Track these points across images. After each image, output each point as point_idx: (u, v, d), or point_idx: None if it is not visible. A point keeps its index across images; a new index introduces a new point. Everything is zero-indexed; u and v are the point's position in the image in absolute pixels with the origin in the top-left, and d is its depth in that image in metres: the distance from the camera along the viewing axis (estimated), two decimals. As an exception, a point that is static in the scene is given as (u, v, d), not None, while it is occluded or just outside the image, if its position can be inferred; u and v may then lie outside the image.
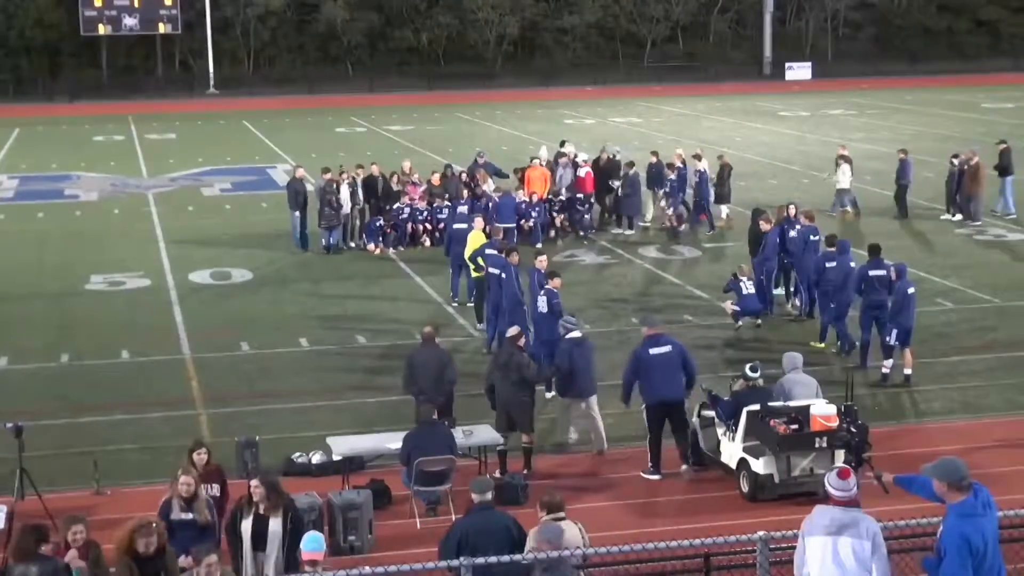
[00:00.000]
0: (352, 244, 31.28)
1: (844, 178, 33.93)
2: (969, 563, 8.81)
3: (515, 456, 16.90)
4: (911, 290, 20.28)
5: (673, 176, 32.72)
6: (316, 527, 14.13)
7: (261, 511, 12.25)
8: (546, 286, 20.11)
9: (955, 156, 34.28)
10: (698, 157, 33.15)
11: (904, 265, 20.89)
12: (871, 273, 20.90)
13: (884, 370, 20.17)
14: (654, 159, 33.69)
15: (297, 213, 30.98)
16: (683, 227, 32.58)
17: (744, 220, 33.45)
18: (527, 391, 16.98)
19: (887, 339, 20.08)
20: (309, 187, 32.20)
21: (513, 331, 17.57)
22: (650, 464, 16.68)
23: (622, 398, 17.24)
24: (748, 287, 23.76)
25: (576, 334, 17.63)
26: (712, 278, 27.35)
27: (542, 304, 19.94)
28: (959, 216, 33.61)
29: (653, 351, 16.70)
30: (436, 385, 17.01)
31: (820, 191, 36.96)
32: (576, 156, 33.58)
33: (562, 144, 35.33)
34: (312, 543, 10.47)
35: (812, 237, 24.03)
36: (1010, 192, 34.65)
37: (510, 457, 16.81)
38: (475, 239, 24.20)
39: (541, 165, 32.67)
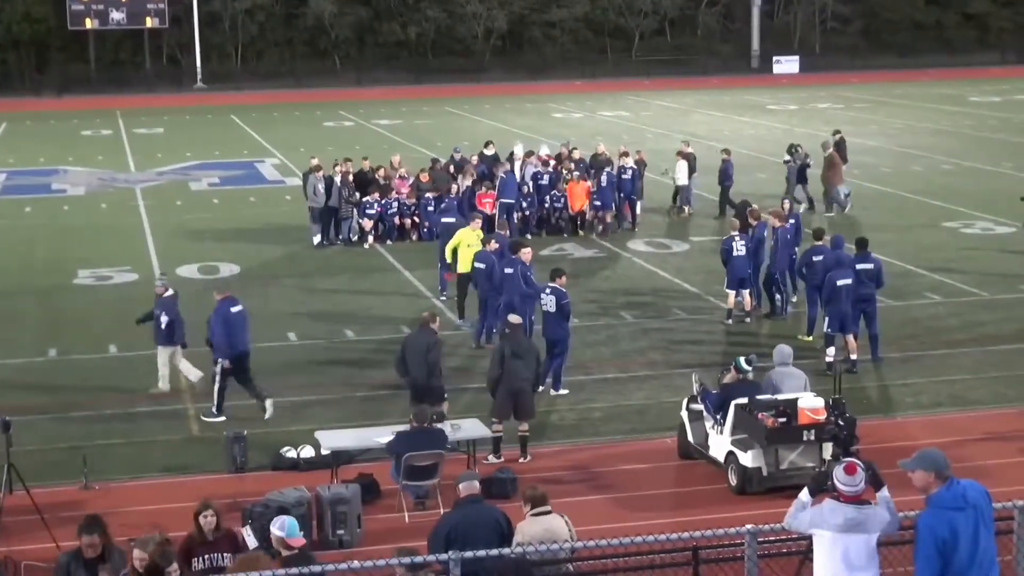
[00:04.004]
0: (354, 237, 31.17)
1: (681, 175, 33.88)
2: (935, 555, 8.65)
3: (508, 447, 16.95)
4: (840, 282, 20.52)
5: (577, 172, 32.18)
6: (304, 521, 14.16)
7: None
8: (552, 284, 19.79)
9: (795, 148, 34.36)
10: (625, 154, 32.97)
11: (843, 255, 21.33)
12: (813, 259, 21.90)
13: (827, 359, 20.31)
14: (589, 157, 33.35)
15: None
16: (614, 226, 31.83)
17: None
18: (533, 377, 17.22)
19: (824, 328, 20.75)
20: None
21: (516, 319, 17.78)
22: (215, 409, 18.58)
23: (216, 356, 18.78)
24: (739, 248, 23.40)
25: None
26: (701, 272, 27.38)
27: (549, 303, 19.63)
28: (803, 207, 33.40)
29: (234, 309, 18.85)
30: (421, 368, 17.15)
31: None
32: (533, 153, 33.30)
33: (486, 145, 34.68)
34: (295, 528, 10.59)
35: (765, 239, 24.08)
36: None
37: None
38: (464, 235, 24.02)
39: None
